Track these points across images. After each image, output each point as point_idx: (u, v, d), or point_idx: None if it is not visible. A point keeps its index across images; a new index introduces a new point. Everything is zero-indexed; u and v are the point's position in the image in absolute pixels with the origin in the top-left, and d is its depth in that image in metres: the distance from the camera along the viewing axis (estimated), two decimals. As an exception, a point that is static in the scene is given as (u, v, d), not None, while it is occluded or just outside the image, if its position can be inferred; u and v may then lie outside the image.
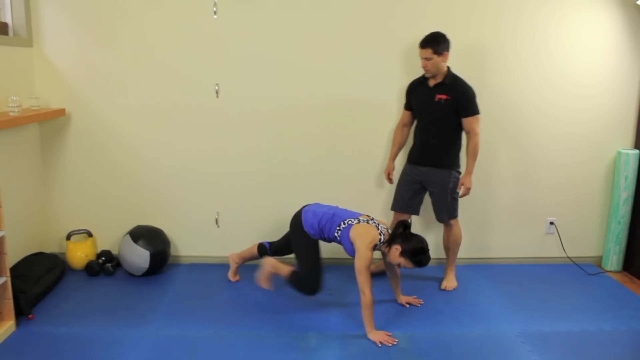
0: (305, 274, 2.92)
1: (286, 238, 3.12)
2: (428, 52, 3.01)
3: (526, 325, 2.87)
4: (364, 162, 3.54)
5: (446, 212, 3.25)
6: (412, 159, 3.30)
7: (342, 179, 3.56)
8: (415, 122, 3.32)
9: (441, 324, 2.88)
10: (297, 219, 2.96)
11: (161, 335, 2.70)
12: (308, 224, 2.90)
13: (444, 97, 3.09)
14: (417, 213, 3.35)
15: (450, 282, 3.35)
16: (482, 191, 3.65)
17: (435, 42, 3.02)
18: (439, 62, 3.04)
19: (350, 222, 2.81)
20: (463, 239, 3.70)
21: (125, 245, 3.34)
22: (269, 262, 3.04)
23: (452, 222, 3.30)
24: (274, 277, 3.07)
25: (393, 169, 3.40)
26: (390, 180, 3.42)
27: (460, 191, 3.19)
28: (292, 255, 3.06)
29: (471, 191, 3.61)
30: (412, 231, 2.83)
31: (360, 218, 2.84)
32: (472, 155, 3.14)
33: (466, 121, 3.11)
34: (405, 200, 3.31)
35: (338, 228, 2.82)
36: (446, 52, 3.05)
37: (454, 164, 3.21)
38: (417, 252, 2.72)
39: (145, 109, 3.43)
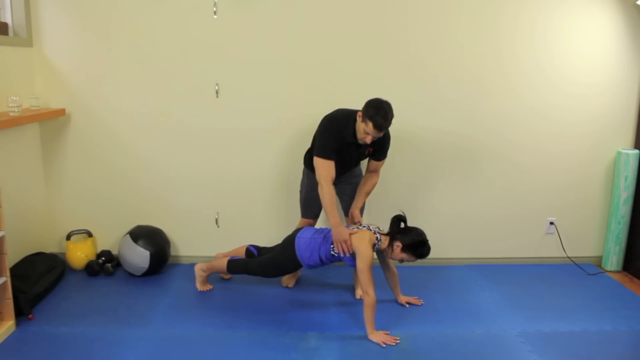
0: (263, 267, 3.02)
1: (275, 248, 3.13)
2: (381, 134, 2.79)
3: (526, 325, 2.88)
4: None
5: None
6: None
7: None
8: None
9: (441, 324, 2.88)
10: (290, 242, 2.95)
11: (161, 335, 2.70)
12: (301, 255, 2.91)
13: (372, 149, 2.99)
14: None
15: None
16: (482, 191, 3.65)
17: (390, 123, 2.80)
18: None
19: None
20: (463, 238, 3.72)
21: (125, 245, 3.34)
22: (199, 267, 3.20)
23: None
24: (212, 276, 3.29)
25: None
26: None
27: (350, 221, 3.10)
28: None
29: (470, 191, 3.64)
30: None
31: (350, 228, 2.86)
32: (369, 192, 3.10)
33: (378, 163, 3.04)
34: (319, 206, 3.17)
35: (332, 246, 2.83)
36: None
37: None
38: (417, 245, 2.76)
39: (145, 109, 3.43)
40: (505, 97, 3.52)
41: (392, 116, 2.78)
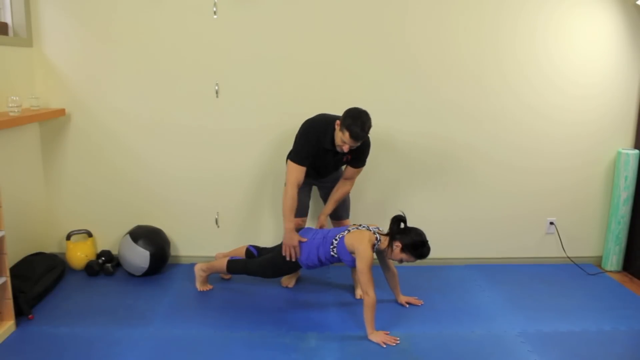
0: (262, 268, 3.02)
1: (274, 249, 3.13)
2: (359, 142, 2.80)
3: (526, 325, 2.88)
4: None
5: (347, 208, 3.25)
6: (307, 175, 3.02)
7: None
8: None
9: (441, 324, 2.88)
10: None
11: (161, 335, 2.70)
12: (300, 254, 2.91)
13: (349, 156, 2.98)
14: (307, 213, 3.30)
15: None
16: (482, 191, 3.65)
17: (369, 131, 2.79)
18: None
19: (341, 235, 2.83)
20: (463, 239, 3.72)
21: (125, 245, 3.34)
22: (199, 267, 3.20)
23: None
24: (211, 276, 3.28)
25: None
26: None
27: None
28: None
29: (470, 191, 3.64)
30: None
31: (350, 228, 2.86)
32: (340, 199, 3.09)
33: (354, 171, 3.02)
34: (305, 204, 3.20)
35: (332, 246, 2.84)
36: None
37: None
38: (417, 245, 2.76)
39: (145, 109, 3.43)
40: (506, 97, 3.52)
41: (369, 126, 2.78)
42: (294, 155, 2.90)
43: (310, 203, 3.30)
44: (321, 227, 3.13)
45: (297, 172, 2.88)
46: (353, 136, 2.74)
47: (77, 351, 2.53)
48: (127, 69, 3.37)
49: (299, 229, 3.06)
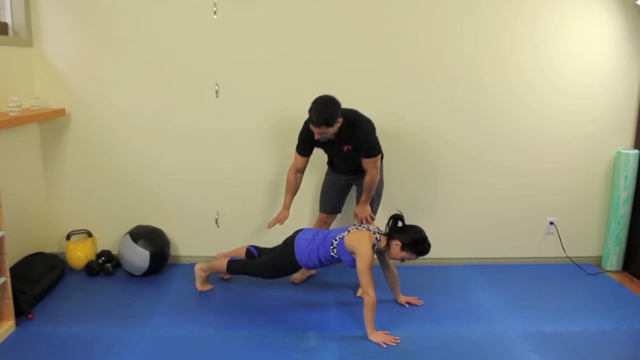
0: (262, 269, 3.03)
1: (275, 249, 3.13)
2: (322, 128, 2.81)
3: (526, 325, 2.88)
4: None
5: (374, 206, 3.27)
6: (337, 170, 3.23)
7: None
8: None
9: (441, 324, 2.88)
10: (290, 243, 2.96)
11: (161, 335, 2.70)
12: (300, 257, 2.91)
13: (349, 147, 2.99)
14: (341, 211, 3.38)
15: None
16: (482, 191, 3.65)
17: (330, 117, 2.77)
18: (334, 129, 2.85)
19: (341, 235, 2.83)
20: (463, 238, 3.72)
21: (125, 245, 3.34)
22: (199, 267, 3.21)
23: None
24: (212, 276, 3.30)
25: (287, 217, 3.15)
26: (273, 225, 3.16)
27: (357, 220, 3.16)
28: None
29: (470, 191, 3.64)
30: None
31: (349, 229, 2.87)
32: (368, 189, 3.08)
33: (365, 161, 3.01)
34: (335, 202, 3.29)
35: (332, 247, 2.84)
36: (339, 118, 2.83)
37: None
38: (417, 242, 2.76)
39: (145, 109, 3.43)
40: (505, 97, 3.52)
41: (328, 113, 2.78)
42: (297, 145, 3.12)
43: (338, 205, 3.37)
44: (355, 216, 3.17)
45: (295, 159, 3.14)
46: (311, 122, 2.83)
47: (77, 351, 2.53)
48: (127, 69, 3.37)
49: (324, 223, 3.30)
